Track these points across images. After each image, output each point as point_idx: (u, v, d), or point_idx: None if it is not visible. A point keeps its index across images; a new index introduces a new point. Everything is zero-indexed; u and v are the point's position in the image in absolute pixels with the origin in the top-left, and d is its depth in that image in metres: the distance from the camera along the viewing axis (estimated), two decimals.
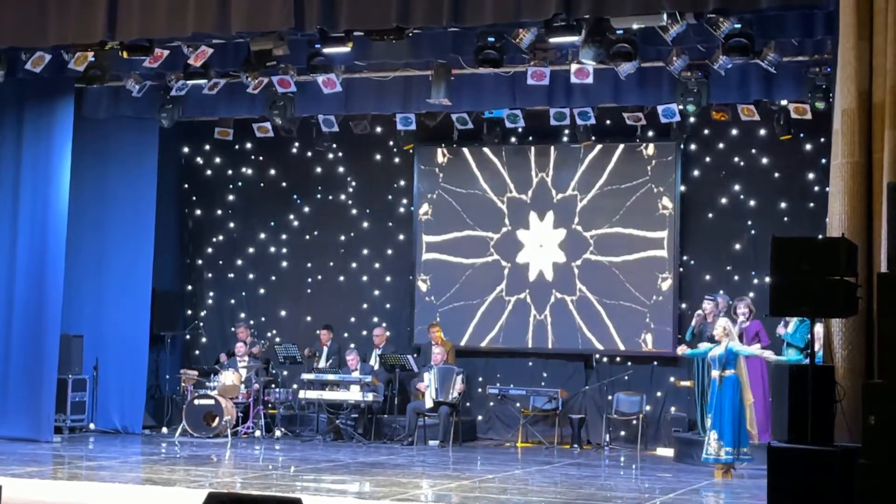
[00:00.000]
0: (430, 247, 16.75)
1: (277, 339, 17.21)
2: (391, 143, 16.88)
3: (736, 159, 15.76)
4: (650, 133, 15.79)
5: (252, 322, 17.39)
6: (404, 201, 17.16)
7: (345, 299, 17.33)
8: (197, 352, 17.85)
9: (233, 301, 17.86)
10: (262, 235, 17.83)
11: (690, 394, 14.33)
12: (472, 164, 16.63)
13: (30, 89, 14.81)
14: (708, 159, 15.92)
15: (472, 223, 16.58)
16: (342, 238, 17.46)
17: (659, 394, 15.68)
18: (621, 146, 15.98)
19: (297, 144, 17.43)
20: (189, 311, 17.91)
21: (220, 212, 18.03)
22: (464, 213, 16.62)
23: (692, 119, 15.13)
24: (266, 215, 17.83)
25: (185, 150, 17.98)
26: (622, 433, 15.56)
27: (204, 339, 17.84)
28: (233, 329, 17.27)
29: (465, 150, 16.65)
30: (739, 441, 12.11)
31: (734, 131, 15.64)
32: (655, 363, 15.75)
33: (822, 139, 14.28)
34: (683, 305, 15.58)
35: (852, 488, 8.23)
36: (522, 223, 16.37)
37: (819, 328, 10.47)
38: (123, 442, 15.07)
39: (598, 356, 15.98)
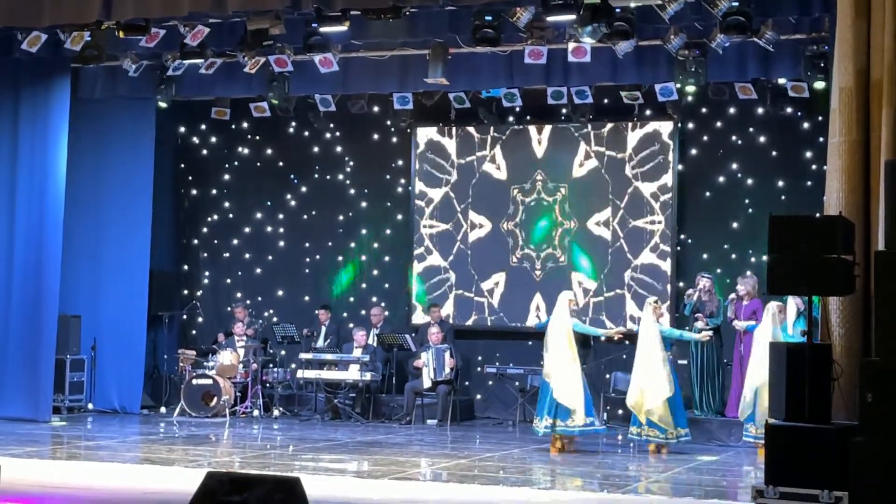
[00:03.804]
0: (427, 226, 16.74)
1: (275, 319, 17.21)
2: (388, 122, 16.84)
3: (733, 138, 15.73)
4: (648, 112, 15.77)
5: (249, 302, 17.38)
6: (402, 181, 17.13)
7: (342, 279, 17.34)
8: (194, 332, 17.82)
9: (229, 281, 17.85)
10: (259, 215, 17.79)
11: (688, 372, 14.33)
12: (469, 142, 16.61)
13: (26, 69, 14.78)
14: (705, 138, 15.89)
15: (470, 202, 16.57)
16: (340, 218, 17.43)
17: None
18: (619, 124, 15.97)
19: (293, 124, 17.39)
20: (186, 291, 17.88)
21: (216, 191, 17.99)
22: (461, 193, 16.60)
23: (690, 98, 15.09)
24: (263, 195, 17.78)
25: (182, 129, 17.93)
26: (619, 412, 15.53)
27: (201, 319, 17.81)
28: (229, 309, 17.27)
29: (463, 129, 16.63)
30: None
31: (732, 110, 15.61)
32: None
33: (820, 117, 14.26)
34: (681, 284, 15.58)
35: (849, 466, 8.25)
36: (519, 202, 16.35)
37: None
38: (122, 422, 15.09)
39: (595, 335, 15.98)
